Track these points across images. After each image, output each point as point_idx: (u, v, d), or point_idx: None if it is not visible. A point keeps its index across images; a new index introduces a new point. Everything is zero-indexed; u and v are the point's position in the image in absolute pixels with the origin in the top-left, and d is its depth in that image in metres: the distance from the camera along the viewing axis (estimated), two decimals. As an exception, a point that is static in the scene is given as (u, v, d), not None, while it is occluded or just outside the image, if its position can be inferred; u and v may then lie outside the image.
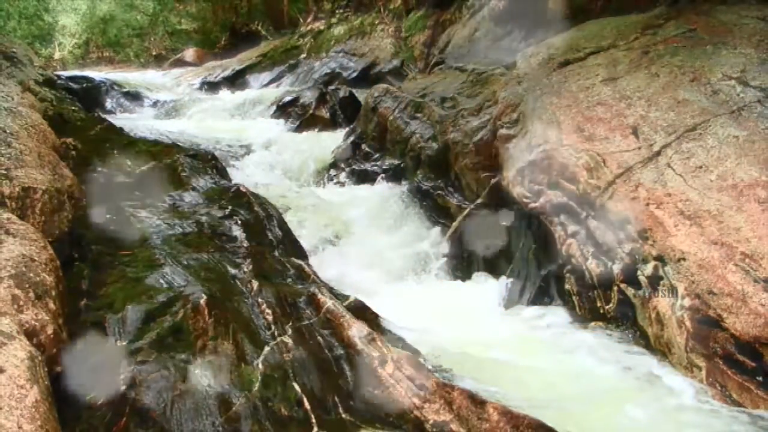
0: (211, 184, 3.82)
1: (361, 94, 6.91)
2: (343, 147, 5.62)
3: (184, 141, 5.68)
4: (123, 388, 1.77)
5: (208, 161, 4.21)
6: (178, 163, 3.92)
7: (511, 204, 3.61)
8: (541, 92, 3.71)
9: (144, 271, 2.43)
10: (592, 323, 2.94)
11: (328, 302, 2.36)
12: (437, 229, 4.19)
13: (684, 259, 2.52)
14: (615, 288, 2.85)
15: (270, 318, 2.24)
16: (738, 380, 2.30)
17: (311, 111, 7.16)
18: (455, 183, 4.32)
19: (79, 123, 4.77)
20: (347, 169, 5.37)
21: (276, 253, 3.09)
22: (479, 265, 3.79)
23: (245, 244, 2.94)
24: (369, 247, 4.08)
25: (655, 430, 2.18)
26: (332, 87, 8.16)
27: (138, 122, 7.12)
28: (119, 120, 6.45)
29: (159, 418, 1.70)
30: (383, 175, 5.01)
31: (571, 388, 2.43)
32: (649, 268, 2.67)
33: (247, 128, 7.14)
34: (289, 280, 2.77)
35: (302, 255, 3.42)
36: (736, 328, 2.29)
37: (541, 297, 3.27)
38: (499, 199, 3.75)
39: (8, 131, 2.86)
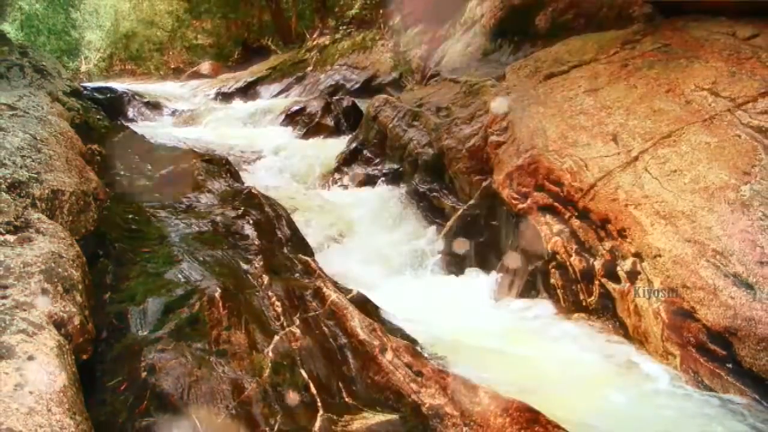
0: (225, 187, 3.82)
1: (362, 104, 6.90)
2: (346, 152, 5.62)
3: (200, 147, 5.69)
4: (144, 374, 1.77)
5: (223, 165, 4.21)
6: (195, 167, 3.91)
7: (501, 205, 3.60)
8: (529, 102, 3.70)
9: (163, 267, 2.43)
10: (576, 315, 2.94)
11: (332, 295, 2.36)
12: (433, 228, 4.19)
13: (660, 256, 2.52)
14: (596, 282, 2.84)
15: (279, 310, 2.24)
16: (710, 367, 2.30)
17: (317, 119, 7.17)
18: (449, 186, 4.32)
19: (104, 130, 4.77)
20: (350, 173, 5.37)
21: (285, 250, 3.09)
22: (472, 261, 3.78)
23: (256, 242, 2.94)
24: (370, 244, 4.08)
25: (633, 413, 2.18)
26: (336, 97, 8.16)
27: (158, 130, 7.12)
28: (140, 128, 6.45)
29: (177, 402, 1.70)
30: (383, 178, 5.01)
31: (556, 375, 2.43)
32: (627, 264, 2.67)
33: (258, 135, 7.15)
34: (297, 274, 2.76)
35: (309, 252, 3.42)
36: (708, 319, 2.29)
37: (528, 290, 3.26)
38: (490, 200, 3.75)
39: (38, 138, 2.86)
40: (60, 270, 1.85)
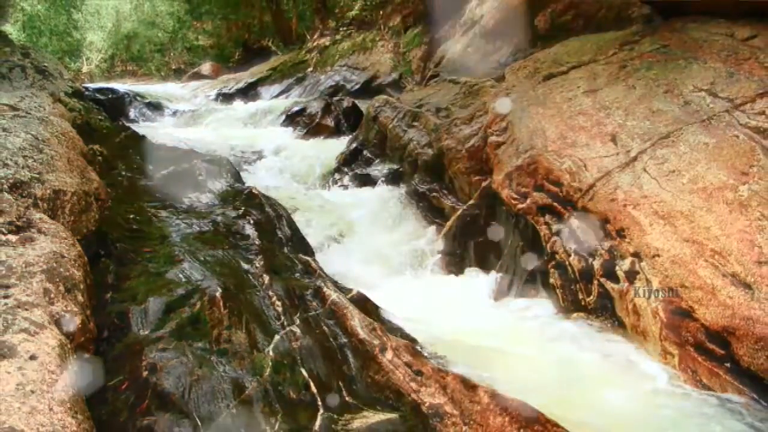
0: (225, 187, 3.82)
1: (363, 105, 6.91)
2: (346, 153, 5.62)
3: (201, 147, 5.68)
4: (145, 373, 1.77)
5: (223, 166, 4.21)
6: (196, 167, 3.92)
7: (501, 205, 3.60)
8: (528, 103, 3.70)
9: (164, 267, 2.43)
10: (575, 314, 2.94)
11: (332, 295, 2.36)
12: (433, 228, 4.19)
13: (658, 256, 2.52)
14: (595, 282, 2.84)
15: (280, 309, 2.24)
16: (708, 366, 2.30)
17: (317, 120, 7.17)
18: (449, 186, 4.32)
19: (105, 131, 4.77)
20: (350, 173, 5.37)
21: (285, 250, 3.09)
22: (471, 261, 3.78)
23: (257, 242, 2.94)
24: (370, 244, 4.08)
25: (632, 412, 2.18)
26: (336, 98, 8.16)
27: (159, 130, 7.13)
28: (142, 128, 6.45)
29: (178, 401, 1.70)
30: (383, 178, 5.01)
31: (555, 374, 2.42)
32: (626, 264, 2.67)
33: (258, 136, 7.15)
34: (297, 274, 2.76)
35: (309, 252, 3.42)
36: (706, 318, 2.29)
37: (527, 290, 3.26)
38: (490, 200, 3.75)
39: (40, 138, 2.86)
40: (62, 270, 1.85)
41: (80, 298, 1.84)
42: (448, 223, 4.00)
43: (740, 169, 2.58)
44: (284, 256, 2.95)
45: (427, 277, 3.78)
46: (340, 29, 11.78)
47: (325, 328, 2.20)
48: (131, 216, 3.01)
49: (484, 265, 3.67)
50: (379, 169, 5.15)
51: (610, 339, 2.71)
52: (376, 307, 2.72)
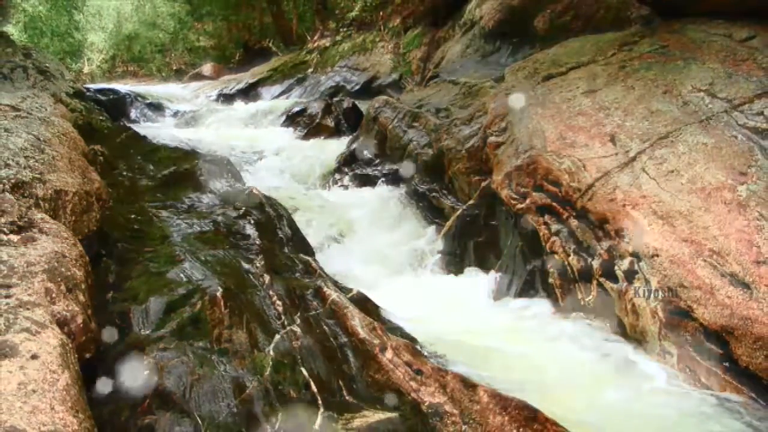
0: (226, 187, 3.82)
1: (363, 105, 6.91)
2: (346, 153, 5.62)
3: (202, 148, 5.68)
4: (146, 372, 1.77)
5: (224, 166, 4.21)
6: (197, 167, 3.92)
7: (500, 205, 3.60)
8: (527, 103, 3.70)
9: (165, 266, 2.43)
10: (574, 314, 2.93)
11: (333, 295, 2.36)
12: (432, 228, 4.19)
13: (657, 255, 2.52)
14: (594, 281, 2.84)
15: (280, 309, 2.24)
16: (706, 366, 2.30)
17: (318, 120, 7.17)
18: (449, 186, 4.32)
19: (107, 131, 4.78)
20: (350, 174, 5.37)
21: (286, 250, 3.09)
22: (471, 261, 3.78)
23: (257, 242, 2.94)
24: (370, 244, 4.08)
25: (631, 411, 2.18)
26: (337, 99, 8.16)
27: (160, 131, 7.12)
28: (143, 129, 6.45)
29: (179, 400, 1.70)
30: (383, 178, 5.01)
31: (555, 373, 2.42)
32: (625, 264, 2.67)
33: (259, 136, 7.15)
34: (298, 274, 2.76)
35: (309, 251, 3.42)
36: (704, 318, 2.29)
37: (527, 290, 3.26)
38: (489, 200, 3.75)
39: (42, 139, 2.86)
40: (63, 269, 1.85)
41: (81, 297, 1.84)
42: (448, 223, 4.00)
43: (739, 169, 2.58)
44: (285, 256, 2.95)
45: (426, 277, 3.78)
46: (341, 30, 11.78)
47: (325, 327, 2.20)
48: (132, 216, 3.01)
49: (484, 265, 3.67)
50: (379, 170, 5.15)
51: (608, 339, 2.71)
52: (376, 307, 2.71)
